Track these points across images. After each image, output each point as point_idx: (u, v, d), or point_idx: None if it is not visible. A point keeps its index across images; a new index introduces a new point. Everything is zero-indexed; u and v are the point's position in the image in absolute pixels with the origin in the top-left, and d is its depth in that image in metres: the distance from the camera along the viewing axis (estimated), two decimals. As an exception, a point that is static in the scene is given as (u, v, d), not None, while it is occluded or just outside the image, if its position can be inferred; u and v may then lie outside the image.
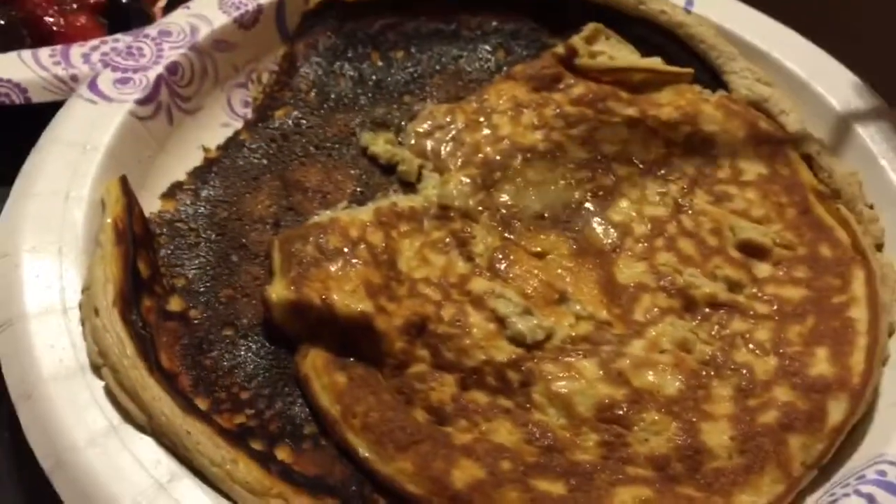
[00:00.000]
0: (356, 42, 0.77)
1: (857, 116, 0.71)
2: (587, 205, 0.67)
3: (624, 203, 0.67)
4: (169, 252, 0.62)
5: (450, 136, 0.71)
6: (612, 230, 0.65)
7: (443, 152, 0.70)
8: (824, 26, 0.78)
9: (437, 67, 0.78)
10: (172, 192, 0.66)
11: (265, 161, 0.69)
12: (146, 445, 0.50)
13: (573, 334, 0.59)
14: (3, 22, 0.76)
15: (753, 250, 0.64)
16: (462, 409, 0.55)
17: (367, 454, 0.52)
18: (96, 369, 0.52)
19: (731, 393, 0.56)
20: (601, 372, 0.56)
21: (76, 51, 0.74)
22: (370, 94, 0.75)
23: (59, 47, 0.74)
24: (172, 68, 0.70)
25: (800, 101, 0.74)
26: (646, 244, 0.64)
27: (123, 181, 0.62)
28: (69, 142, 0.63)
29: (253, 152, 0.69)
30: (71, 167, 0.61)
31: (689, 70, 0.76)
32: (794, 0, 0.78)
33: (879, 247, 0.65)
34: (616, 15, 0.79)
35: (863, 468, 0.52)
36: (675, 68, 0.76)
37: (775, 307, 0.61)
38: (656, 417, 0.54)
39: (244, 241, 0.63)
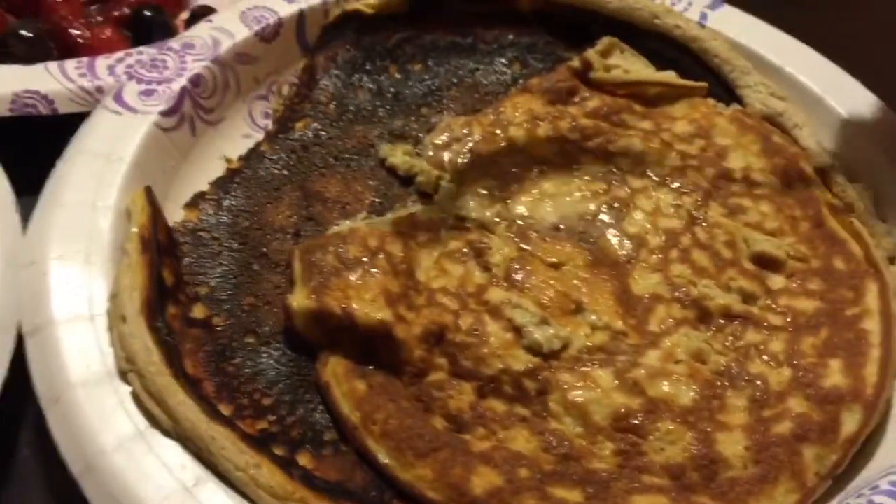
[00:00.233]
0: (375, 55, 0.79)
1: (870, 131, 0.72)
2: (602, 216, 0.68)
3: (639, 215, 0.68)
4: (192, 260, 0.63)
5: (467, 148, 0.72)
6: (627, 241, 0.66)
7: (460, 164, 0.71)
8: (837, 42, 0.78)
9: (454, 80, 0.79)
10: (195, 201, 0.67)
11: (286, 172, 0.70)
12: (172, 450, 0.51)
13: (589, 344, 0.60)
14: (31, 35, 0.78)
15: (767, 262, 0.65)
16: (480, 417, 0.56)
17: (386, 461, 0.53)
18: (123, 375, 0.54)
19: (745, 403, 0.57)
20: (617, 381, 0.57)
21: (102, 63, 0.76)
22: (388, 107, 0.76)
23: (85, 59, 0.76)
24: (196, 80, 0.71)
25: (813, 115, 0.74)
26: (660, 255, 0.65)
27: (148, 191, 0.63)
28: (95, 152, 0.64)
29: (274, 163, 0.70)
30: (97, 177, 0.63)
31: (704, 84, 0.77)
32: (808, 15, 0.79)
33: (892, 260, 0.66)
34: (631, 29, 0.80)
35: (876, 479, 0.52)
36: (689, 82, 0.77)
37: (789, 319, 0.61)
38: (671, 427, 0.55)
39: (265, 250, 0.65)
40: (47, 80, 0.74)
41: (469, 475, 0.52)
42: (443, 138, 0.72)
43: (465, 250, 0.65)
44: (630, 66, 0.78)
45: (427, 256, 0.64)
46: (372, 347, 0.58)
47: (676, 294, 0.63)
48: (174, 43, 0.73)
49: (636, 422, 0.55)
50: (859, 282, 0.63)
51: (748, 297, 0.63)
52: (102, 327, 0.56)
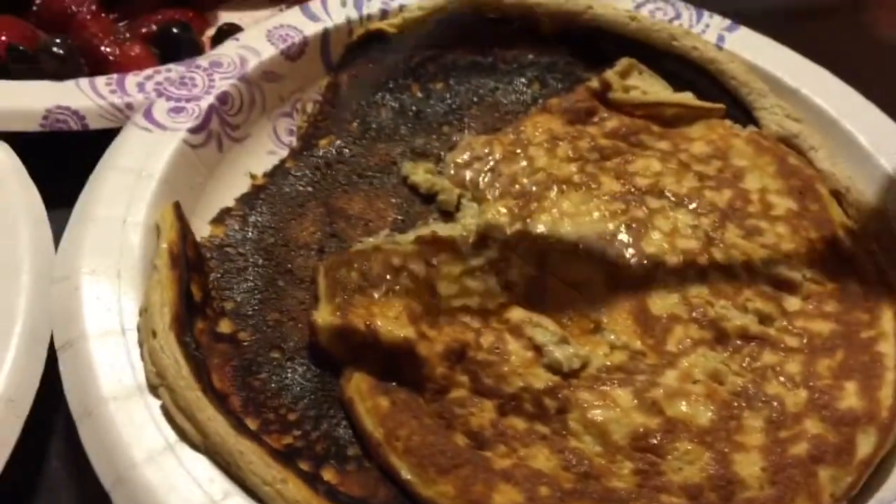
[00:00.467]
0: (397, 74, 0.80)
1: (885, 153, 0.73)
2: (621, 236, 0.68)
3: (656, 235, 0.68)
4: (219, 276, 0.65)
5: (488, 166, 0.73)
6: (645, 262, 0.67)
7: (481, 182, 0.72)
8: (854, 65, 0.79)
9: (475, 99, 0.80)
10: (222, 217, 0.69)
11: (310, 188, 0.71)
12: (201, 464, 0.52)
13: (608, 363, 0.61)
14: (62, 51, 0.79)
15: (783, 284, 0.66)
16: (501, 435, 0.57)
17: (409, 477, 0.54)
18: (154, 389, 0.55)
19: (762, 424, 0.57)
20: (635, 401, 0.58)
21: (131, 80, 0.77)
22: (410, 125, 0.77)
23: (115, 76, 0.78)
24: (223, 98, 0.73)
25: (829, 137, 0.75)
26: (678, 276, 0.66)
27: (177, 207, 0.64)
28: (126, 169, 0.66)
29: (298, 180, 0.72)
30: (127, 193, 0.64)
31: (721, 105, 0.78)
32: (823, 39, 0.80)
33: (908, 283, 0.67)
34: (649, 50, 0.81)
35: (891, 500, 0.54)
36: (706, 103, 0.78)
37: (805, 340, 0.62)
38: (689, 447, 0.56)
39: (290, 266, 0.66)
40: (78, 97, 0.76)
41: (490, 492, 0.53)
42: (464, 157, 0.74)
43: (485, 268, 0.66)
44: (648, 87, 0.80)
45: (449, 274, 0.65)
46: (395, 364, 0.59)
47: (694, 314, 0.64)
48: (202, 61, 0.75)
49: (654, 441, 0.56)
50: (874, 304, 0.63)
51: (765, 319, 0.64)
52: (133, 342, 0.57)
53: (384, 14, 0.82)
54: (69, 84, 0.77)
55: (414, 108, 0.79)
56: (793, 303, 0.65)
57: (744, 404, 0.58)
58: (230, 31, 0.90)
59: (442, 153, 0.75)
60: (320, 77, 0.80)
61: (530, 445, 0.56)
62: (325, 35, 0.80)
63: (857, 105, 0.77)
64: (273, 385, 0.59)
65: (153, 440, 0.53)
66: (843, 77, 0.79)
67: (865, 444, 0.56)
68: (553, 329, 0.61)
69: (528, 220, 0.69)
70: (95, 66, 0.84)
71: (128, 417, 0.53)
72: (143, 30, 0.90)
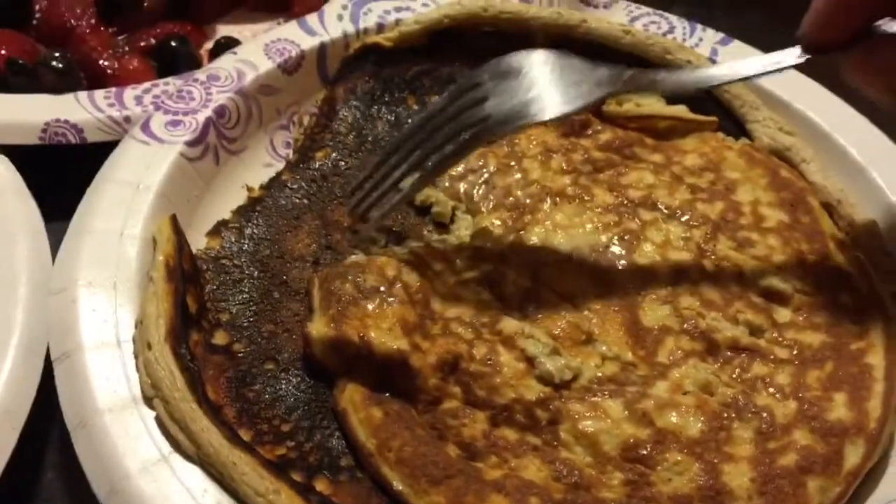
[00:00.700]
0: (393, 87, 0.81)
1: (876, 166, 0.73)
2: (613, 248, 0.69)
3: (649, 247, 0.69)
4: (214, 288, 0.65)
5: (482, 179, 0.74)
6: (637, 273, 0.67)
7: (475, 195, 0.73)
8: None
9: (470, 112, 0.81)
10: (218, 229, 0.69)
11: (306, 201, 0.72)
12: (194, 474, 0.53)
13: (599, 375, 0.61)
14: (61, 66, 0.80)
15: (774, 296, 0.66)
16: (492, 446, 0.57)
17: (401, 487, 0.55)
18: (148, 401, 0.56)
19: (751, 435, 0.58)
20: (626, 412, 0.58)
21: (129, 93, 0.78)
22: (406, 138, 0.78)
23: (113, 90, 0.79)
24: (220, 111, 0.73)
25: (821, 150, 0.76)
26: (670, 288, 0.67)
27: (174, 220, 0.65)
28: (123, 181, 0.67)
29: (294, 192, 0.73)
30: (125, 206, 0.65)
31: (714, 118, 0.79)
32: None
33: (896, 295, 0.67)
34: (643, 64, 0.82)
35: (879, 511, 0.54)
36: (699, 116, 0.79)
37: (795, 352, 0.63)
38: (679, 458, 0.56)
39: (285, 278, 0.67)
40: (77, 110, 0.77)
41: (481, 503, 0.53)
42: (458, 170, 0.74)
43: (479, 280, 0.67)
44: (642, 100, 0.80)
45: (442, 286, 0.66)
46: (388, 375, 0.59)
47: (685, 326, 0.64)
48: (200, 74, 0.76)
49: (644, 452, 0.57)
50: (864, 316, 0.64)
51: (755, 330, 0.64)
52: (129, 353, 0.58)
53: (380, 28, 0.82)
54: (68, 97, 0.78)
55: (410, 120, 0.79)
56: (783, 314, 0.65)
57: (733, 415, 0.59)
58: (228, 44, 0.91)
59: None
60: (317, 90, 0.81)
61: (522, 456, 0.57)
62: (322, 49, 0.80)
63: (849, 118, 0.78)
64: (267, 396, 0.60)
65: (147, 451, 0.53)
66: (836, 91, 0.80)
67: (853, 455, 0.56)
68: (545, 340, 0.62)
69: (522, 233, 0.70)
70: (94, 79, 0.85)
71: (122, 428, 0.54)
72: (142, 43, 0.91)
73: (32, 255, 0.66)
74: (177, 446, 0.54)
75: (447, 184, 0.73)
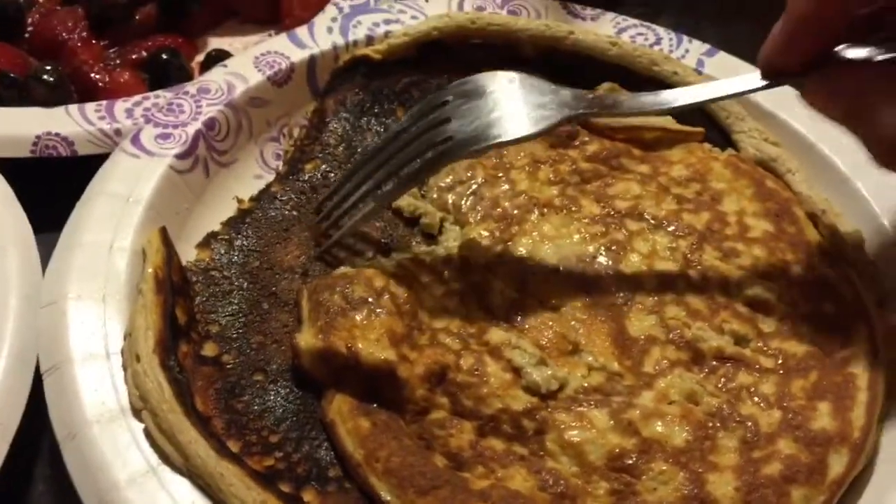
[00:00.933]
0: (382, 98, 0.82)
1: (861, 177, 0.74)
2: (600, 258, 0.70)
3: (635, 257, 0.70)
4: (204, 299, 0.66)
5: (470, 190, 0.74)
6: (623, 284, 0.68)
7: (463, 206, 0.73)
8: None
9: (459, 123, 0.82)
10: (208, 241, 0.70)
11: (295, 213, 0.73)
12: (182, 486, 0.53)
13: (585, 385, 0.62)
14: (52, 79, 0.81)
15: (759, 305, 0.67)
16: (479, 456, 0.58)
17: (388, 498, 0.55)
18: (137, 413, 0.56)
19: (736, 444, 0.58)
20: (612, 422, 0.59)
21: (120, 106, 0.79)
22: (395, 149, 0.78)
23: (104, 102, 0.79)
24: (210, 124, 0.74)
25: (806, 161, 0.77)
26: (656, 298, 0.67)
27: (163, 233, 0.66)
28: (113, 194, 0.67)
29: (284, 204, 0.73)
30: (115, 218, 0.66)
31: (700, 129, 0.80)
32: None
33: (881, 303, 0.67)
34: (630, 75, 0.83)
35: (862, 520, 0.54)
36: (686, 127, 0.80)
37: (780, 361, 0.63)
38: (664, 467, 0.57)
39: (274, 289, 0.67)
40: (68, 123, 0.77)
41: (468, 513, 0.54)
42: (447, 181, 0.75)
43: (467, 291, 0.67)
44: (629, 111, 0.81)
45: (430, 297, 0.66)
46: (376, 386, 0.60)
47: (671, 336, 0.65)
48: (190, 87, 0.76)
49: (630, 462, 0.57)
50: (848, 325, 0.65)
51: (740, 340, 0.65)
52: (117, 365, 0.58)
53: (370, 40, 0.83)
54: (59, 111, 0.79)
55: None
56: (768, 324, 0.66)
57: (718, 424, 0.59)
58: (219, 56, 0.92)
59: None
60: (307, 102, 0.81)
61: (508, 466, 0.57)
62: (312, 61, 0.81)
63: (833, 129, 0.78)
64: (256, 407, 0.60)
65: (136, 463, 0.54)
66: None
67: (837, 465, 0.57)
68: (532, 351, 0.62)
69: (509, 243, 0.70)
70: (85, 92, 0.85)
71: (111, 440, 0.54)
72: (133, 56, 0.91)
73: (22, 266, 0.66)
74: (165, 458, 0.54)
75: (435, 195, 0.74)
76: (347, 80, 0.82)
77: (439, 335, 0.64)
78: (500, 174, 0.75)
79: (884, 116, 0.55)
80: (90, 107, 0.79)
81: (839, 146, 0.76)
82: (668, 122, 0.80)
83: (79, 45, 0.88)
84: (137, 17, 0.96)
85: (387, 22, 0.84)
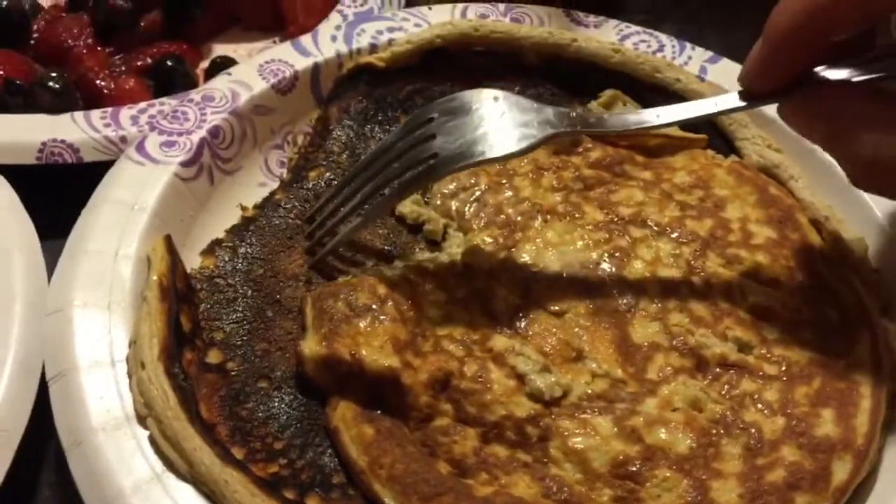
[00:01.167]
0: (386, 106, 0.82)
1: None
2: (604, 265, 0.70)
3: (639, 264, 0.70)
4: (208, 307, 0.66)
5: (473, 197, 0.75)
6: (627, 290, 0.68)
7: (467, 213, 0.73)
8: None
9: (462, 130, 0.82)
10: (212, 248, 0.70)
11: (299, 221, 0.73)
12: (187, 493, 0.54)
13: (589, 391, 0.62)
14: (58, 86, 0.81)
15: (763, 312, 0.67)
16: (483, 463, 0.58)
17: (392, 504, 0.55)
18: (142, 420, 0.56)
19: (740, 451, 0.59)
20: (615, 429, 0.59)
21: (125, 113, 0.79)
22: (398, 156, 0.79)
23: (109, 110, 0.80)
24: (214, 132, 0.74)
25: (808, 167, 0.77)
26: (659, 305, 0.67)
27: (168, 240, 0.66)
28: (118, 201, 0.68)
29: (287, 212, 0.73)
30: (120, 226, 0.66)
31: (703, 136, 0.80)
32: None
33: (885, 310, 0.68)
34: (633, 82, 0.83)
35: (866, 527, 0.54)
36: (689, 134, 0.80)
37: (783, 368, 0.63)
38: (668, 474, 0.57)
39: (279, 297, 0.67)
40: (73, 130, 0.78)
41: (471, 520, 0.54)
42: (450, 188, 0.75)
43: (470, 298, 0.67)
44: (632, 117, 0.81)
45: (434, 303, 0.66)
46: (380, 392, 0.60)
47: (674, 343, 0.65)
48: (195, 95, 0.77)
49: (634, 469, 0.57)
50: (851, 332, 0.65)
51: (744, 347, 0.65)
52: (123, 373, 0.58)
53: (373, 48, 0.83)
54: (65, 117, 0.79)
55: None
56: (772, 331, 0.66)
57: (722, 431, 0.59)
58: (224, 63, 0.92)
59: (428, 184, 0.76)
60: (311, 110, 0.82)
61: (512, 473, 0.57)
62: (316, 69, 0.81)
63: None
64: (260, 414, 0.60)
65: (141, 470, 0.54)
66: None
67: (841, 472, 0.57)
68: (535, 358, 0.62)
69: (513, 250, 0.70)
70: (91, 99, 0.86)
71: (116, 447, 0.55)
72: (138, 63, 0.92)
73: (28, 273, 0.66)
74: (169, 465, 0.54)
75: (439, 201, 0.74)
76: (351, 87, 0.82)
77: (443, 342, 0.64)
78: (504, 181, 0.76)
79: (861, 138, 0.56)
80: (95, 114, 0.79)
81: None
82: (672, 129, 0.80)
83: (84, 51, 0.89)
84: (142, 24, 0.96)
85: (390, 30, 0.85)
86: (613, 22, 0.90)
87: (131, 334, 0.60)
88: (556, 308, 0.67)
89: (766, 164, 0.77)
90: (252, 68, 0.80)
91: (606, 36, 0.87)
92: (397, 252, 0.71)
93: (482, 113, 0.64)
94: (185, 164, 0.71)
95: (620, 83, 0.83)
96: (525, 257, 0.70)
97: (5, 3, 0.92)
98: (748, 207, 0.73)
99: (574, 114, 0.65)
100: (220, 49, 1.01)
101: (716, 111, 0.63)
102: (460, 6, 0.88)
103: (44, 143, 0.77)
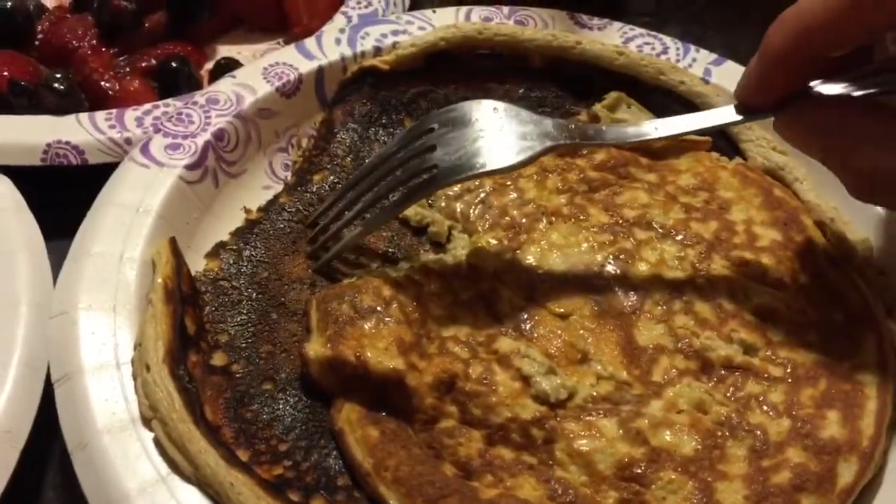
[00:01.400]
0: (390, 109, 0.82)
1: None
2: (608, 267, 0.70)
3: (643, 266, 0.70)
4: (213, 309, 0.66)
5: (478, 199, 0.75)
6: (632, 293, 0.68)
7: (471, 215, 0.74)
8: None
9: (466, 132, 0.82)
10: (216, 251, 0.70)
11: (303, 224, 0.73)
12: (192, 495, 0.54)
13: (594, 394, 0.62)
14: (63, 87, 0.82)
15: (768, 314, 0.66)
16: (488, 465, 0.58)
17: (397, 506, 0.55)
18: (147, 422, 0.56)
19: (745, 453, 0.58)
20: (621, 431, 0.59)
21: (130, 115, 0.79)
22: (403, 159, 0.79)
23: (114, 111, 0.80)
24: (219, 135, 0.74)
25: (814, 169, 0.76)
26: (664, 307, 0.67)
27: (173, 243, 0.66)
28: (123, 204, 0.68)
29: (292, 215, 0.73)
30: (125, 229, 0.66)
31: (708, 138, 0.80)
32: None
33: (890, 312, 0.67)
34: (637, 84, 0.83)
35: (871, 529, 0.54)
36: (693, 136, 0.80)
37: (789, 370, 0.63)
38: (673, 476, 0.57)
39: (283, 299, 0.67)
40: (78, 132, 0.78)
41: (477, 522, 0.54)
42: (455, 189, 0.75)
43: (475, 299, 0.67)
44: (636, 120, 0.81)
45: (439, 305, 0.66)
46: (385, 394, 0.60)
47: (679, 345, 0.65)
48: (199, 98, 0.77)
49: (639, 471, 0.57)
50: (856, 334, 0.65)
51: (749, 349, 0.65)
52: (128, 375, 0.59)
53: (377, 51, 0.83)
54: (69, 119, 0.79)
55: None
56: (777, 333, 0.66)
57: (727, 433, 0.59)
58: (228, 64, 0.93)
59: (435, 187, 0.76)
60: (315, 113, 0.82)
61: (517, 475, 0.57)
62: (320, 72, 0.81)
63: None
64: (265, 416, 0.60)
65: (146, 472, 0.54)
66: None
67: (847, 473, 0.57)
68: (541, 360, 0.62)
69: (518, 252, 0.70)
70: (95, 100, 0.86)
71: (121, 450, 0.55)
72: (143, 64, 0.92)
73: (33, 274, 0.67)
74: (175, 467, 0.54)
75: (443, 203, 0.74)
76: (355, 90, 0.82)
77: (448, 344, 0.64)
78: (509, 182, 0.76)
79: (860, 152, 0.56)
80: (100, 115, 0.79)
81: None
82: (676, 131, 0.80)
83: (89, 52, 0.89)
84: (146, 25, 0.97)
85: (394, 33, 0.85)
86: (617, 24, 0.90)
87: (136, 337, 0.60)
88: (561, 310, 0.67)
89: (770, 166, 0.77)
90: (256, 71, 0.80)
91: (610, 38, 0.87)
92: (402, 254, 0.72)
93: (482, 124, 0.64)
94: (189, 167, 0.71)
95: (625, 85, 0.83)
96: (530, 259, 0.70)
97: (9, 3, 0.93)
98: (753, 209, 0.73)
99: (573, 126, 0.66)
100: (224, 50, 1.01)
101: (712, 125, 0.64)
102: (464, 9, 0.89)
103: (49, 145, 0.77)
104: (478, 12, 0.88)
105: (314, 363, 0.61)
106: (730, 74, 0.84)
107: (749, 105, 0.62)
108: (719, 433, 0.59)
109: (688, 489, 0.56)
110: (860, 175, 0.57)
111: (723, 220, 0.73)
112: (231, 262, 0.69)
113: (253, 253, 0.70)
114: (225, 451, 0.55)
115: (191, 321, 0.63)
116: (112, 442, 0.55)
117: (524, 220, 0.73)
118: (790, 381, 0.63)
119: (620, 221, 0.73)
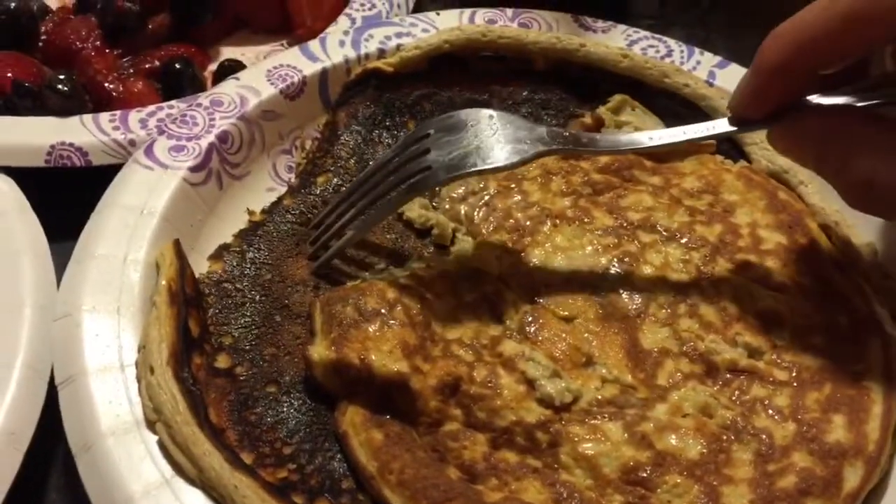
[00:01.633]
0: (394, 111, 0.82)
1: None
2: (613, 270, 0.70)
3: (648, 269, 0.69)
4: (217, 311, 0.66)
5: (482, 201, 0.74)
6: (636, 296, 0.68)
7: (475, 217, 0.73)
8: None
9: (470, 135, 0.82)
10: (220, 253, 0.70)
11: (306, 227, 0.73)
12: (196, 498, 0.53)
13: (599, 397, 0.62)
14: (66, 88, 0.81)
15: (773, 318, 0.66)
16: (493, 468, 0.58)
17: (402, 510, 0.55)
18: (151, 424, 0.56)
19: (750, 457, 0.58)
20: (626, 435, 0.59)
21: (134, 116, 0.79)
22: (407, 161, 0.79)
23: (118, 113, 0.80)
24: (223, 137, 0.74)
25: (818, 172, 0.77)
26: (669, 310, 0.67)
27: (177, 245, 0.66)
28: (127, 206, 0.68)
29: (296, 217, 0.73)
30: (129, 231, 0.66)
31: (712, 141, 0.80)
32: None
33: (895, 316, 0.67)
34: (641, 87, 0.83)
35: (877, 533, 0.54)
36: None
37: (794, 374, 0.63)
38: (679, 480, 0.57)
39: (287, 301, 0.67)
40: (82, 133, 0.78)
41: (481, 526, 0.53)
42: (459, 192, 0.75)
43: (480, 302, 0.67)
44: (640, 122, 0.81)
45: (443, 308, 0.66)
46: (389, 397, 0.60)
47: (684, 348, 0.65)
48: (203, 100, 0.77)
49: (644, 475, 0.57)
50: (862, 338, 0.64)
51: (754, 352, 0.64)
52: (131, 377, 0.58)
53: (381, 53, 0.83)
54: (73, 120, 0.79)
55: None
56: (782, 336, 0.65)
57: (732, 437, 0.59)
58: (231, 66, 0.93)
59: (437, 188, 0.76)
60: (319, 115, 0.82)
61: (522, 479, 0.57)
62: (324, 74, 0.81)
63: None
64: (269, 419, 0.60)
65: (150, 475, 0.54)
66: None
67: (852, 478, 0.57)
68: (545, 363, 0.62)
69: (522, 254, 0.70)
70: (99, 102, 0.86)
71: (125, 452, 0.55)
72: (147, 65, 0.92)
73: (37, 275, 0.67)
74: (179, 470, 0.54)
75: (447, 206, 0.74)
76: (359, 92, 0.82)
77: (452, 346, 0.63)
78: (513, 185, 0.76)
79: (857, 162, 0.56)
80: (104, 117, 0.79)
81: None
82: (680, 134, 0.80)
83: (92, 54, 0.89)
84: (150, 26, 0.97)
85: (398, 35, 0.85)
86: (621, 27, 0.90)
87: (140, 339, 0.60)
88: (566, 313, 0.67)
89: (775, 169, 0.77)
90: (260, 73, 0.80)
91: (615, 41, 0.87)
92: (406, 256, 0.71)
93: (477, 129, 0.65)
94: (193, 169, 0.71)
95: (629, 88, 0.83)
96: (534, 262, 0.70)
97: (13, 4, 0.93)
98: (757, 213, 0.73)
99: (567, 133, 0.66)
100: (227, 52, 1.01)
101: (707, 135, 0.65)
102: (468, 11, 0.89)
103: (52, 146, 0.77)
104: (482, 15, 0.88)
105: (318, 366, 0.61)
106: (734, 77, 0.82)
107: (742, 119, 0.62)
108: (724, 437, 0.59)
109: (693, 493, 0.56)
110: (857, 185, 0.57)
111: (727, 223, 0.73)
112: (234, 264, 0.69)
113: (256, 255, 0.70)
114: (229, 453, 0.55)
115: (194, 323, 0.63)
116: (116, 444, 0.55)
117: (528, 223, 0.72)
118: (795, 384, 0.62)
119: (625, 224, 0.73)
